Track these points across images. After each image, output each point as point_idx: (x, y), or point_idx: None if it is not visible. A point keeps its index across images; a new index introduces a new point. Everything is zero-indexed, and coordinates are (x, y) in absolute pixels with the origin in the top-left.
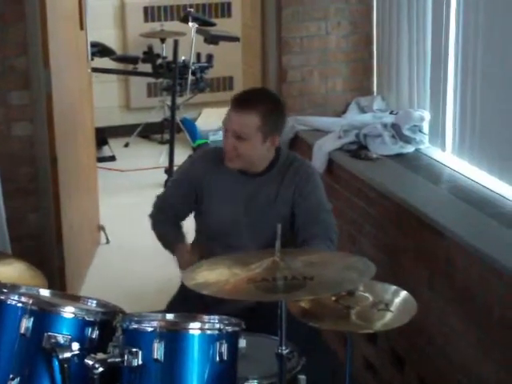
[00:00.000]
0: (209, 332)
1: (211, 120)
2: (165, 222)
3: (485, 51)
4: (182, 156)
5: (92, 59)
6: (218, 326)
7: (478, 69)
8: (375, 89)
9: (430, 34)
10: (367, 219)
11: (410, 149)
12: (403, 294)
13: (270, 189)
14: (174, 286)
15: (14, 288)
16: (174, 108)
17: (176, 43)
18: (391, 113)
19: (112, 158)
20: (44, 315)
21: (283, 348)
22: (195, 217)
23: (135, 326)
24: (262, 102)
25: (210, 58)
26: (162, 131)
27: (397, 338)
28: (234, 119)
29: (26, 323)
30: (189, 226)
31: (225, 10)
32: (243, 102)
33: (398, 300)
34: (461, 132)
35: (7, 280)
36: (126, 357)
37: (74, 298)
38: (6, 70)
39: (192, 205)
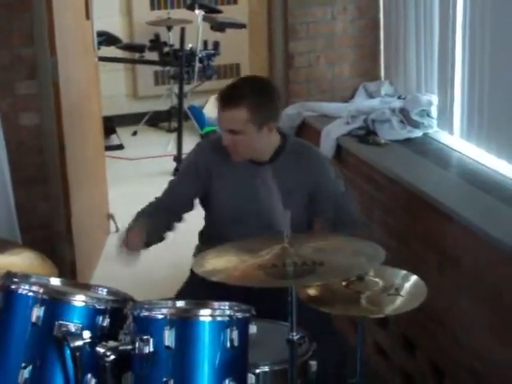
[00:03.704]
0: (219, 318)
1: None
2: (150, 212)
3: (493, 34)
4: (190, 144)
5: (98, 48)
6: (228, 312)
7: (485, 52)
8: (383, 74)
9: (438, 18)
10: (376, 204)
11: (418, 133)
12: (413, 278)
13: (283, 178)
14: (184, 274)
15: (24, 277)
16: (181, 96)
17: (183, 31)
18: (399, 97)
19: (120, 147)
20: (55, 304)
21: (294, 334)
22: (203, 205)
23: (146, 313)
24: (247, 95)
25: (216, 45)
26: (170, 119)
27: (408, 322)
28: (223, 117)
29: (37, 312)
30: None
31: None
32: (228, 98)
33: (408, 284)
34: (469, 116)
35: (18, 269)
36: (137, 344)
37: (85, 287)
38: (12, 60)
39: (198, 195)
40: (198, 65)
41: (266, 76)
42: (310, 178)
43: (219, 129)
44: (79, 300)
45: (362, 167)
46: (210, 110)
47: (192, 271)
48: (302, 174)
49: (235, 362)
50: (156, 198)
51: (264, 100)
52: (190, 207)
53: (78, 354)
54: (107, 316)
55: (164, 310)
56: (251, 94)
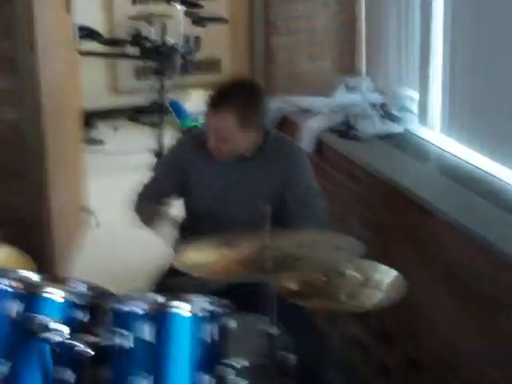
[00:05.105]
0: (199, 313)
1: (200, 102)
2: (147, 203)
3: (474, 30)
4: (170, 139)
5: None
6: (208, 307)
7: (467, 48)
8: (363, 69)
9: (419, 13)
10: (356, 199)
11: (398, 129)
12: (392, 273)
13: (259, 171)
14: (162, 266)
15: (2, 272)
16: (162, 91)
17: (164, 26)
18: (380, 93)
19: (101, 142)
20: (33, 299)
21: (273, 328)
22: (183, 198)
23: (126, 308)
24: (236, 103)
25: (197, 40)
26: (151, 114)
27: (386, 316)
28: (212, 119)
29: (16, 307)
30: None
31: None
32: (217, 105)
33: (387, 279)
34: (449, 111)
35: None
36: (116, 339)
37: (64, 282)
38: None
39: (178, 190)
40: (179, 60)
41: (254, 80)
42: (286, 171)
43: (206, 130)
44: (58, 295)
45: (342, 162)
46: (191, 104)
47: (171, 264)
48: (280, 168)
49: (214, 357)
50: (143, 186)
51: (253, 108)
52: (167, 199)
53: (56, 349)
54: (86, 311)
55: (144, 306)
56: (240, 102)
